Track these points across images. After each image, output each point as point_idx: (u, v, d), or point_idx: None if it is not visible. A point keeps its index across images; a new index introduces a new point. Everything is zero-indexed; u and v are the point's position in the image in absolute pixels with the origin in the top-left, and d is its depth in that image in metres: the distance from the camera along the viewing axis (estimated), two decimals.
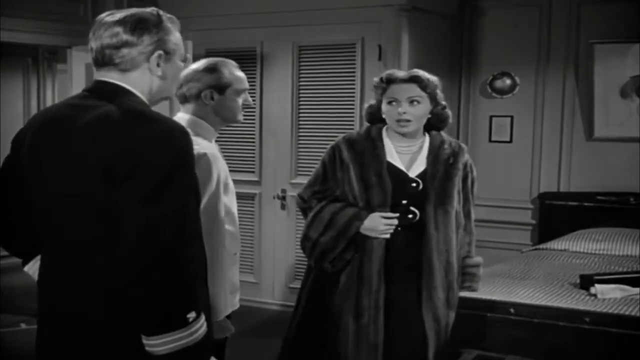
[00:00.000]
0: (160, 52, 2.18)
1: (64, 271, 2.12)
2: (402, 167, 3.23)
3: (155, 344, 1.99)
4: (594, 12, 5.98)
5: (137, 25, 2.15)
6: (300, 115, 6.16)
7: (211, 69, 3.06)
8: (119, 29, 2.14)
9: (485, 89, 6.34)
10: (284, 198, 6.28)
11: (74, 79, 6.18)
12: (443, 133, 3.35)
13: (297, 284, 6.30)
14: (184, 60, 2.32)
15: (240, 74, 3.10)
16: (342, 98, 5.99)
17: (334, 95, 6.02)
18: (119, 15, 2.19)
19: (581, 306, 3.80)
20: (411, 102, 3.17)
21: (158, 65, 2.19)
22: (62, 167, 2.08)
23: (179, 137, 2.03)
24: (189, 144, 2.05)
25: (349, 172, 3.25)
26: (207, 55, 6.06)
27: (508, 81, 6.26)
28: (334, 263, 3.24)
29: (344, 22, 5.90)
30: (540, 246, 5.70)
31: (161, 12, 2.23)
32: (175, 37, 2.23)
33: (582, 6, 6.03)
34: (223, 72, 3.05)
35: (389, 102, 3.21)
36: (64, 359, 2.14)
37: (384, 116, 3.25)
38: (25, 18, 5.81)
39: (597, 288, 4.02)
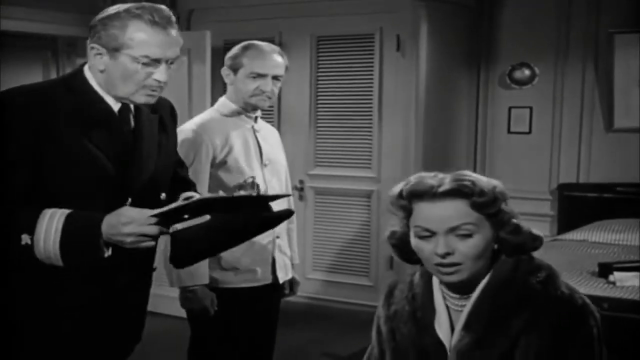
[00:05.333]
0: (94, 45, 2.21)
1: None
2: (445, 340, 1.97)
3: None
4: (613, 2, 5.92)
5: (92, 22, 2.22)
6: (319, 106, 6.16)
7: (235, 50, 3.20)
8: None
9: (504, 80, 6.31)
10: (302, 189, 6.28)
11: None
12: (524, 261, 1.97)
13: (314, 275, 6.34)
14: (142, 61, 2.19)
15: (259, 58, 3.14)
16: (361, 88, 6.00)
17: (353, 85, 6.03)
18: None
19: (600, 293, 3.77)
20: (457, 234, 1.87)
21: (97, 56, 2.22)
22: None
23: None
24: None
25: (385, 349, 2.10)
26: (225, 46, 6.08)
27: (527, 72, 6.23)
28: None
29: (362, 12, 5.90)
30: (559, 237, 5.66)
31: (133, 7, 2.18)
32: (127, 34, 2.17)
33: None
34: (241, 53, 3.17)
35: (420, 236, 1.90)
36: None
37: (417, 253, 1.96)
38: (44, 8, 5.84)
39: (616, 275, 3.98)
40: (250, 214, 2.35)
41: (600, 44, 6.00)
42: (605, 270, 4.11)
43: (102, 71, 2.21)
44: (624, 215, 5.71)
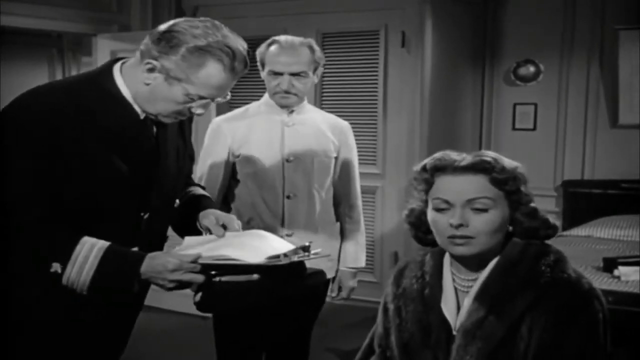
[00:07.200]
0: (153, 62, 2.06)
1: None
2: (451, 319, 2.01)
3: None
4: None
5: (166, 29, 2.08)
6: (323, 102, 6.16)
7: (262, 46, 3.12)
8: (164, 24, 2.12)
9: (508, 77, 6.31)
10: None
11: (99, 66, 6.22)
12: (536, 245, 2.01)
13: None
14: (196, 99, 2.10)
15: (276, 55, 3.05)
16: (365, 85, 6.01)
17: (357, 82, 6.04)
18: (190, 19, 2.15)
19: (605, 287, 3.77)
20: (474, 207, 1.92)
21: (149, 71, 2.08)
22: None
23: (10, 115, 2.05)
24: (16, 122, 2.03)
25: (391, 327, 2.14)
26: None
27: (532, 68, 6.24)
28: None
29: (367, 9, 5.91)
30: (564, 233, 5.65)
31: (216, 44, 2.04)
32: (200, 73, 2.06)
33: None
34: (265, 50, 3.11)
35: (437, 208, 1.96)
36: None
37: (432, 228, 2.01)
38: (50, 5, 5.84)
39: (621, 270, 3.98)
40: (290, 281, 2.29)
41: (605, 40, 6.01)
42: (609, 265, 4.12)
43: (146, 84, 2.09)
44: (628, 211, 5.71)
